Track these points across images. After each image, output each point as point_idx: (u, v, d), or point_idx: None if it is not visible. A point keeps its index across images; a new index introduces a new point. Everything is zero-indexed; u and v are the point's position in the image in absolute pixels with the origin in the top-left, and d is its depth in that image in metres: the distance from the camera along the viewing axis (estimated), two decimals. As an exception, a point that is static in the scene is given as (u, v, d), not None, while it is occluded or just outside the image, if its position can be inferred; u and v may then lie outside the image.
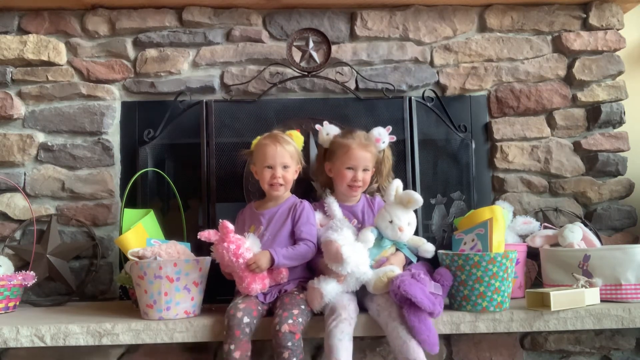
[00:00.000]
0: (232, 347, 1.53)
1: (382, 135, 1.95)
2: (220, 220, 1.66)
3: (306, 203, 1.85)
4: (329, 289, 1.62)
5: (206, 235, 1.67)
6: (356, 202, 1.94)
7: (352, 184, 1.88)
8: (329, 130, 1.97)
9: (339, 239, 1.61)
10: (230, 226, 1.64)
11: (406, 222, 1.74)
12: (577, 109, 2.37)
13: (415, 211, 1.79)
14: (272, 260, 1.67)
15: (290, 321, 1.54)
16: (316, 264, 1.78)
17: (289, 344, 1.51)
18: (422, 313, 1.53)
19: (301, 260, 1.75)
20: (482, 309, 1.67)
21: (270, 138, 1.85)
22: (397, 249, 1.79)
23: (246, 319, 1.57)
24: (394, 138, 2.00)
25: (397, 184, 1.79)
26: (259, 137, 1.91)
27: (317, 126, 2.00)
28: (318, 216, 1.86)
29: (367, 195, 1.98)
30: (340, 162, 1.90)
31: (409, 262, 1.80)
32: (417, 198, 1.72)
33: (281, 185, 1.82)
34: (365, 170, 1.90)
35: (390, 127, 1.98)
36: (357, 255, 1.61)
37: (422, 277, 1.61)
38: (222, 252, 1.64)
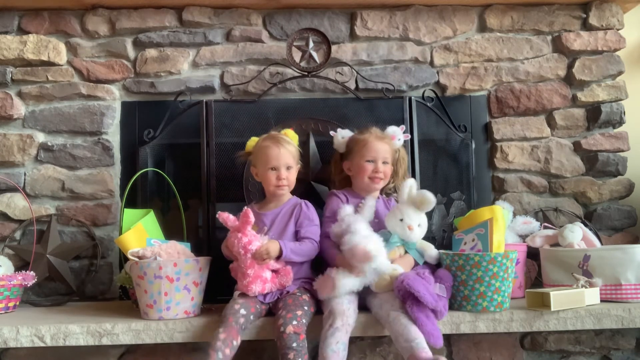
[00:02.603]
0: (221, 329, 1.53)
1: (397, 133, 1.96)
2: (245, 207, 1.68)
3: (308, 203, 1.86)
4: (344, 283, 1.61)
5: (225, 217, 1.68)
6: (375, 199, 1.92)
7: (373, 175, 1.87)
8: (343, 134, 1.98)
9: (362, 241, 1.61)
10: (252, 217, 1.64)
11: (416, 223, 1.74)
12: (577, 109, 2.37)
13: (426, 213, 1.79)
14: (281, 251, 1.68)
15: (294, 322, 1.54)
16: (333, 259, 1.75)
17: (294, 344, 1.50)
18: (425, 308, 1.53)
19: (306, 257, 1.76)
20: (482, 309, 1.67)
21: (272, 140, 1.84)
22: (406, 252, 1.78)
23: (242, 311, 1.59)
24: (409, 136, 2.01)
25: (411, 183, 1.78)
26: (255, 139, 1.90)
27: (332, 132, 2.00)
28: (349, 209, 1.82)
29: (384, 196, 1.97)
30: (359, 156, 1.89)
31: (415, 264, 1.79)
32: (430, 198, 1.72)
33: (286, 185, 1.83)
34: (384, 162, 1.89)
35: (404, 127, 1.98)
36: (381, 248, 1.62)
37: (426, 276, 1.62)
38: (234, 241, 1.65)
